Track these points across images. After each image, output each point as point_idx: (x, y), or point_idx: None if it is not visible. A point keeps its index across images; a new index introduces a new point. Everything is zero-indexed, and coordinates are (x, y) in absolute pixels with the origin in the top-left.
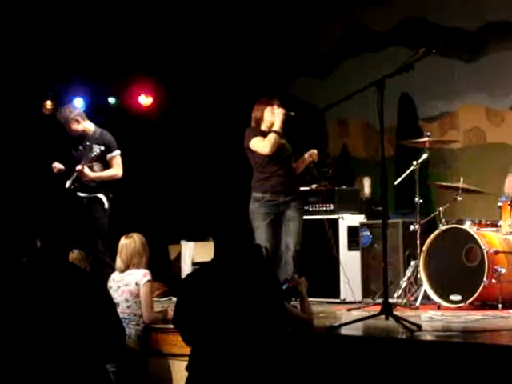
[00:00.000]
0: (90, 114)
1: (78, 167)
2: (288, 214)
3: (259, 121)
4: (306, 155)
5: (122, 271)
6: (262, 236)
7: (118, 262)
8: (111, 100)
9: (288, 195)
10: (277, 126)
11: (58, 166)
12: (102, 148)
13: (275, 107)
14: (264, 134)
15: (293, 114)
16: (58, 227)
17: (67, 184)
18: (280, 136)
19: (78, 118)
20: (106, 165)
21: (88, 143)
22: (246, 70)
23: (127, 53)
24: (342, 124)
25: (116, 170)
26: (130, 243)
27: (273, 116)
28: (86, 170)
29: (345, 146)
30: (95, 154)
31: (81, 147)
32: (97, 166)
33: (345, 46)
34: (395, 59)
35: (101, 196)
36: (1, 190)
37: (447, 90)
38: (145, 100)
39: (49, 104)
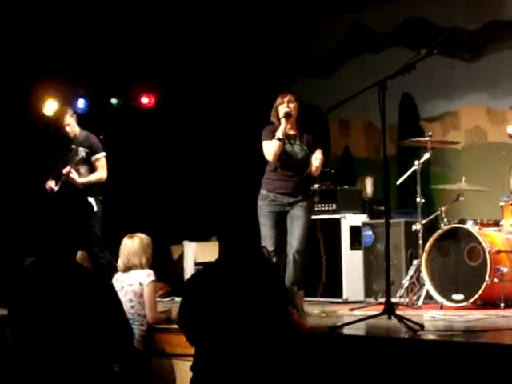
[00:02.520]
0: (92, 114)
1: (65, 170)
2: (293, 213)
3: (274, 117)
4: (313, 161)
5: (123, 271)
6: (266, 233)
7: (119, 262)
8: (113, 100)
9: (294, 197)
10: (279, 132)
11: (50, 185)
12: (87, 151)
13: (281, 106)
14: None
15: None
16: (65, 227)
17: (55, 188)
18: (282, 142)
19: (73, 120)
20: (92, 167)
21: (74, 146)
22: (250, 70)
23: (130, 52)
24: (344, 124)
25: (101, 172)
26: (127, 244)
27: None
28: (74, 176)
29: (347, 146)
30: (80, 156)
31: (67, 150)
32: (83, 169)
33: (346, 47)
34: (396, 60)
35: (90, 199)
36: (8, 191)
37: (448, 90)
38: (147, 100)
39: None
